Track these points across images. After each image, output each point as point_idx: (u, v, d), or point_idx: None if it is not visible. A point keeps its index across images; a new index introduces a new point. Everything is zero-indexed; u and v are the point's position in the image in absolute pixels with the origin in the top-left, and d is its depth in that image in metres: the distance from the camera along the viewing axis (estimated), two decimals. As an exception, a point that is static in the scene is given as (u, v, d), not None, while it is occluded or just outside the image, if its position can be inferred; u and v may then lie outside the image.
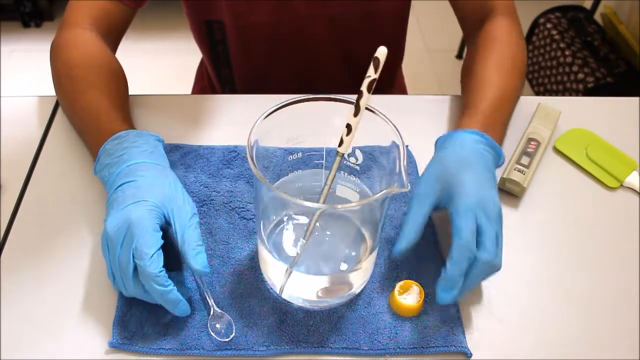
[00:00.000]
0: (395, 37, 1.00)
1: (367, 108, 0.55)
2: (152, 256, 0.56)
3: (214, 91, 1.06)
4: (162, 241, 0.58)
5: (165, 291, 0.56)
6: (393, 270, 0.64)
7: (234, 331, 0.58)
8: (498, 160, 0.67)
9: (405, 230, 0.61)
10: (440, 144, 0.68)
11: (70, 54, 0.76)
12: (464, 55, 0.84)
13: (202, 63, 1.10)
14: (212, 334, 0.58)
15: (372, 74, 0.53)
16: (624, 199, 0.74)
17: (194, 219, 0.61)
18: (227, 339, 0.58)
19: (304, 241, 0.56)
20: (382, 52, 0.53)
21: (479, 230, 0.59)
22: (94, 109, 0.71)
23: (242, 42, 0.93)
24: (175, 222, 0.60)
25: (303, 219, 0.62)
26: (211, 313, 0.59)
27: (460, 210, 0.59)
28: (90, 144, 0.71)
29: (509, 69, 0.77)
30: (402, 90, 1.11)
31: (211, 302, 0.60)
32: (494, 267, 0.59)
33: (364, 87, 0.53)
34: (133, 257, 0.56)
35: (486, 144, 0.66)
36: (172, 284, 0.57)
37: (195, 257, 0.58)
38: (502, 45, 0.79)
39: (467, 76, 0.79)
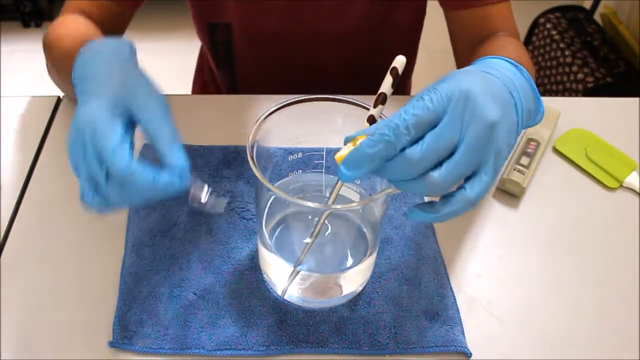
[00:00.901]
0: (406, 52, 0.99)
1: (367, 107, 0.55)
2: (113, 149, 0.46)
3: (215, 85, 1.06)
4: (129, 133, 0.49)
5: (150, 180, 0.46)
6: (393, 270, 0.64)
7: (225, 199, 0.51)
8: (536, 115, 0.50)
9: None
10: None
11: (57, 31, 0.73)
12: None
13: (201, 57, 1.10)
14: (207, 209, 0.51)
15: (385, 89, 0.49)
16: (623, 199, 0.74)
17: (163, 109, 0.51)
18: (226, 204, 0.51)
19: (309, 242, 0.56)
20: (400, 61, 0.48)
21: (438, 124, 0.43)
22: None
23: (249, 45, 0.93)
24: (142, 116, 0.49)
25: (303, 219, 0.62)
26: (191, 191, 0.50)
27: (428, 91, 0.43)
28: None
29: (523, 54, 0.71)
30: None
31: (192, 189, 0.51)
32: (430, 185, 0.41)
33: (374, 102, 0.50)
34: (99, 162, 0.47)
35: (525, 78, 0.50)
36: (154, 170, 0.47)
37: (172, 152, 0.48)
38: (512, 44, 0.74)
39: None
